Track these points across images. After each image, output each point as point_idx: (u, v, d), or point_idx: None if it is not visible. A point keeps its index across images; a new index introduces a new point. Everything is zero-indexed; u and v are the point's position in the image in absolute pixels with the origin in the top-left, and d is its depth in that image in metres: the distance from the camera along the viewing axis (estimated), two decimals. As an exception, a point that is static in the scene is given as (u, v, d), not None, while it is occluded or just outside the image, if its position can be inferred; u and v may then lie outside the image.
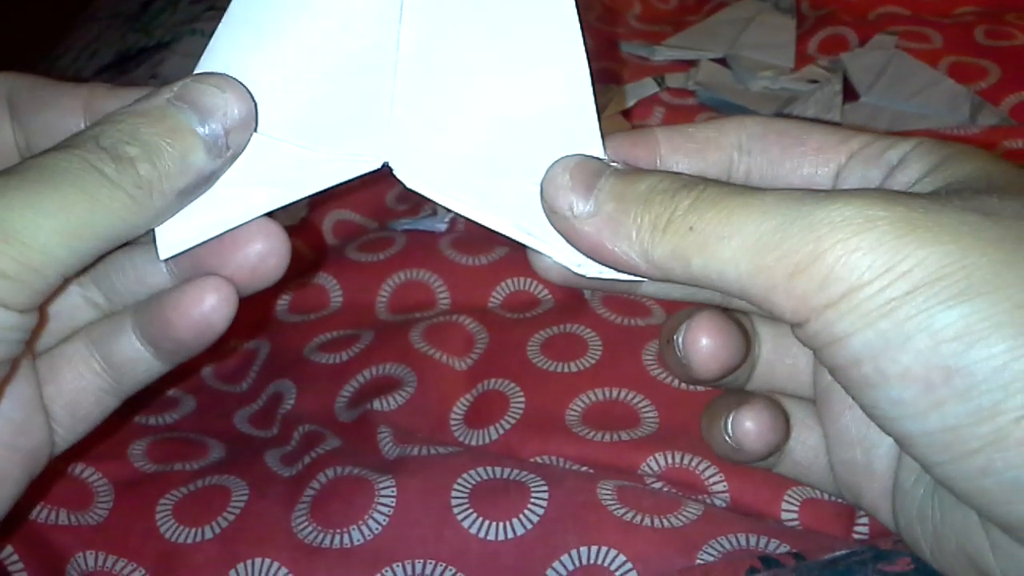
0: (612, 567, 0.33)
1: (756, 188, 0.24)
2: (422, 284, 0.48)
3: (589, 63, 0.27)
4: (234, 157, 0.26)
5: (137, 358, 0.29)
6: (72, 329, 0.30)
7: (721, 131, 0.28)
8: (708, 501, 0.36)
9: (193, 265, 0.28)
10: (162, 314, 0.28)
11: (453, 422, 0.41)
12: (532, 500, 0.35)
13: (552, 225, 0.26)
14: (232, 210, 0.27)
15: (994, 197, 0.22)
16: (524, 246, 0.27)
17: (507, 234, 0.27)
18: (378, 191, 0.56)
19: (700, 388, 0.38)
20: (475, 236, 0.50)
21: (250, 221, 0.27)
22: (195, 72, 0.27)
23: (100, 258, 0.25)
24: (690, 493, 0.37)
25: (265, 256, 0.27)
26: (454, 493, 0.36)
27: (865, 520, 0.35)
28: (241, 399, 0.45)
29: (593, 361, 0.42)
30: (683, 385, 0.40)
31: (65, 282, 0.24)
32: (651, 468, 0.37)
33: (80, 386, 0.29)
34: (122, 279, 0.29)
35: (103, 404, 0.30)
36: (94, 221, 0.24)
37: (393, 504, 0.36)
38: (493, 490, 0.36)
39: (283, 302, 0.49)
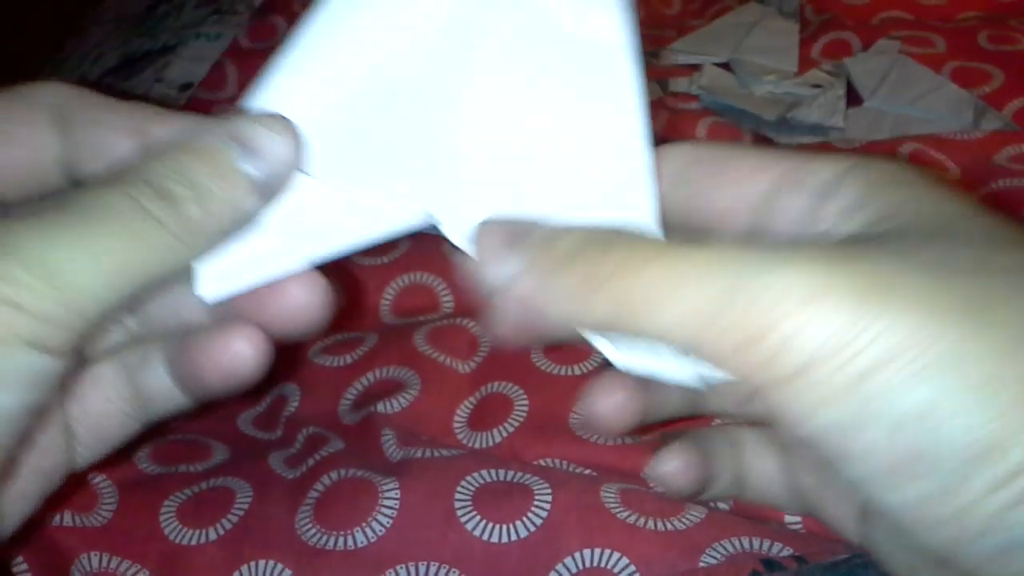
0: (615, 570, 0.33)
1: (687, 244, 0.23)
2: (426, 287, 0.48)
3: (648, 130, 0.26)
4: (280, 199, 0.26)
5: (164, 391, 0.29)
6: (102, 351, 0.29)
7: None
8: (711, 504, 0.36)
9: (231, 307, 0.27)
10: (191, 356, 0.27)
11: (457, 425, 0.41)
12: (536, 503, 0.35)
13: (481, 292, 0.25)
14: (278, 260, 0.26)
15: (941, 248, 0.21)
16: None
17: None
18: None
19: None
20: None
21: (299, 270, 0.26)
22: (248, 104, 0.26)
23: (139, 299, 0.24)
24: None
25: (305, 306, 0.27)
26: (458, 496, 0.36)
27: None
28: (245, 402, 0.46)
29: (596, 364, 0.42)
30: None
31: (104, 321, 0.23)
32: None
33: (106, 410, 0.29)
34: (157, 308, 0.29)
35: (127, 429, 0.29)
36: (139, 262, 0.23)
37: (397, 506, 0.36)
38: (497, 493, 0.36)
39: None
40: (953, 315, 0.20)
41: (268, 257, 0.26)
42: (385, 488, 0.36)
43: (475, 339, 0.44)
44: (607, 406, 0.28)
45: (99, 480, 0.39)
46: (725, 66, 0.64)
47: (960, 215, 0.23)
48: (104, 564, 0.36)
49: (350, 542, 0.35)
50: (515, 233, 0.25)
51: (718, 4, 0.73)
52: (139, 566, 0.36)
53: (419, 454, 0.39)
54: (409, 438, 0.40)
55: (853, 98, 0.60)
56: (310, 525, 0.36)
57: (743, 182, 0.27)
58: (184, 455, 0.41)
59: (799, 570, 0.31)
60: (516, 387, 0.41)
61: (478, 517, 0.35)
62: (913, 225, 0.22)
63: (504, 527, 0.35)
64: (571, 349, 0.43)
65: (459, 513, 0.35)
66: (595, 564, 0.33)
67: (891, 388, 0.19)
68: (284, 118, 0.26)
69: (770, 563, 0.32)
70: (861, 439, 0.20)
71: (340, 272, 0.27)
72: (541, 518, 0.35)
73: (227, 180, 0.25)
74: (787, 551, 0.33)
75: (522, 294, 0.24)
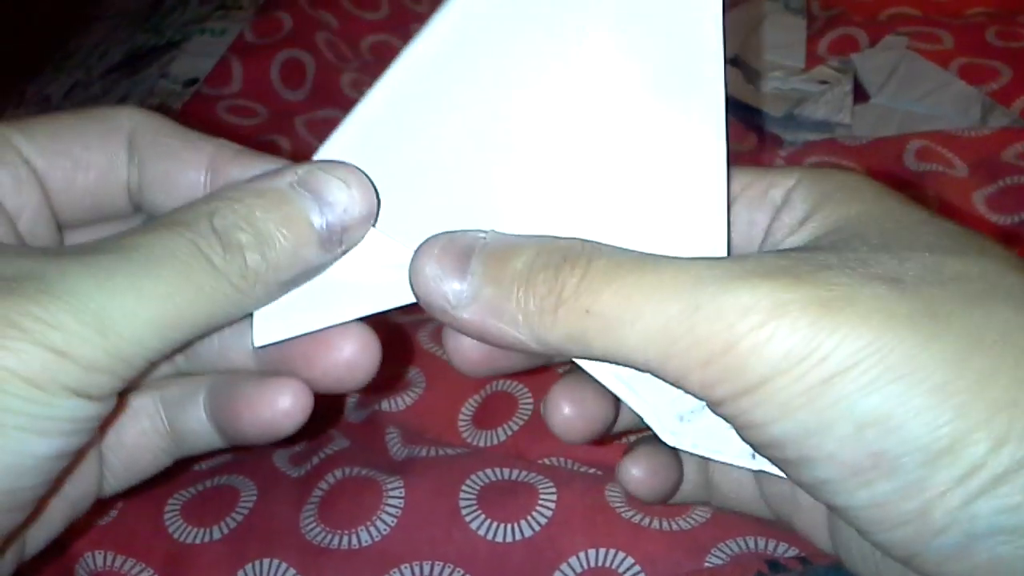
0: (620, 569, 0.33)
1: (648, 258, 0.23)
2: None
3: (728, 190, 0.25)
4: (344, 252, 0.25)
5: (201, 431, 0.29)
6: (144, 382, 0.29)
7: None
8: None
9: (279, 357, 0.27)
10: (233, 404, 0.27)
11: (461, 423, 0.41)
12: (540, 502, 0.35)
13: (432, 316, 0.25)
14: (334, 309, 0.26)
15: (893, 257, 0.22)
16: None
17: (601, 380, 0.26)
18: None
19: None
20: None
21: (348, 322, 0.26)
22: (321, 155, 0.26)
23: (189, 343, 0.24)
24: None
25: (354, 363, 0.26)
26: (462, 494, 0.36)
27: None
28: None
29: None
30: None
31: (150, 366, 0.23)
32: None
33: (141, 442, 0.29)
34: (206, 347, 0.29)
35: (159, 462, 0.29)
36: (193, 311, 0.23)
37: (401, 505, 0.36)
38: (501, 491, 0.36)
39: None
40: (907, 325, 0.20)
41: (322, 307, 0.26)
42: (389, 487, 0.36)
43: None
44: (563, 416, 0.28)
45: (104, 478, 0.39)
46: (732, 62, 0.64)
47: (909, 222, 0.24)
48: (109, 562, 0.36)
49: (354, 541, 0.35)
50: (461, 249, 0.24)
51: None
52: (144, 564, 0.36)
53: (424, 452, 0.39)
54: (414, 436, 0.40)
55: (860, 94, 0.60)
56: (314, 524, 0.36)
57: None
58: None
59: (803, 571, 0.31)
60: (521, 385, 0.41)
61: (483, 516, 0.35)
62: (864, 235, 0.23)
63: (509, 526, 0.35)
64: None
65: (464, 512, 0.35)
66: (600, 564, 0.33)
67: (850, 393, 0.20)
68: (360, 172, 0.25)
69: (774, 564, 0.32)
70: (824, 442, 0.21)
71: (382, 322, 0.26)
72: (546, 517, 0.35)
73: (292, 227, 0.24)
74: (792, 551, 0.33)
75: (473, 316, 0.24)
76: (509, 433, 0.39)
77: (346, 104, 0.62)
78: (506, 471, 0.37)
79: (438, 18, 0.25)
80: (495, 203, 0.26)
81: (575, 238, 0.24)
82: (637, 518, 0.34)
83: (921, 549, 0.21)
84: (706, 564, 0.33)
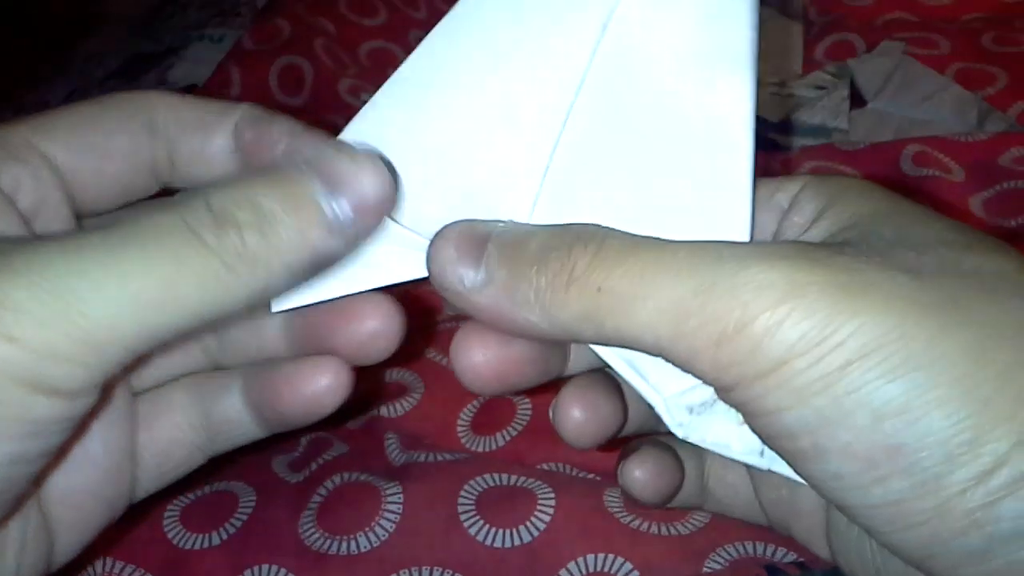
0: (619, 574, 0.33)
1: (662, 239, 0.22)
2: (428, 292, 0.48)
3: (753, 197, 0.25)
4: (358, 242, 0.23)
5: (237, 420, 0.28)
6: (180, 372, 0.29)
7: None
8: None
9: (309, 336, 0.27)
10: (274, 385, 0.27)
11: (460, 429, 0.41)
12: (539, 507, 0.35)
13: (446, 300, 0.25)
14: (351, 278, 0.26)
15: (910, 251, 0.21)
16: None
17: (613, 366, 0.25)
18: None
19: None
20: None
21: (368, 291, 0.26)
22: (338, 138, 0.25)
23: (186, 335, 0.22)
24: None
25: (377, 334, 0.27)
26: (461, 500, 0.36)
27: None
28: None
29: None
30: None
31: (137, 360, 0.21)
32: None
33: (174, 437, 0.28)
34: (240, 334, 0.29)
35: (192, 460, 0.29)
36: (177, 291, 0.20)
37: (400, 511, 0.36)
38: (500, 497, 0.36)
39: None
40: (927, 314, 0.20)
41: (339, 276, 0.26)
42: (388, 492, 0.36)
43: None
44: (574, 421, 0.28)
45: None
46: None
47: (922, 221, 0.23)
48: (107, 568, 0.36)
49: (353, 546, 0.35)
50: (479, 235, 0.24)
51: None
52: (143, 570, 0.36)
53: (422, 458, 0.39)
54: (412, 442, 0.40)
55: (857, 99, 0.60)
56: (313, 529, 0.36)
57: None
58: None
59: (802, 576, 0.31)
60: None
61: (481, 521, 0.35)
62: (875, 232, 0.23)
63: (507, 532, 0.35)
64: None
65: (462, 517, 0.35)
66: (598, 569, 0.33)
67: (867, 382, 0.20)
68: (377, 154, 0.23)
69: (773, 569, 0.32)
70: (839, 432, 0.20)
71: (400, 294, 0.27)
72: (544, 523, 0.35)
73: (299, 211, 0.22)
74: (791, 556, 0.33)
75: (487, 300, 0.23)
76: (507, 438, 0.39)
77: (345, 110, 0.62)
78: (505, 476, 0.37)
79: (459, 5, 0.26)
80: (515, 190, 0.26)
81: (591, 224, 0.24)
82: (636, 523, 0.34)
83: (937, 551, 0.20)
84: (705, 569, 0.33)
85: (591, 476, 0.38)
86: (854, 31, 0.65)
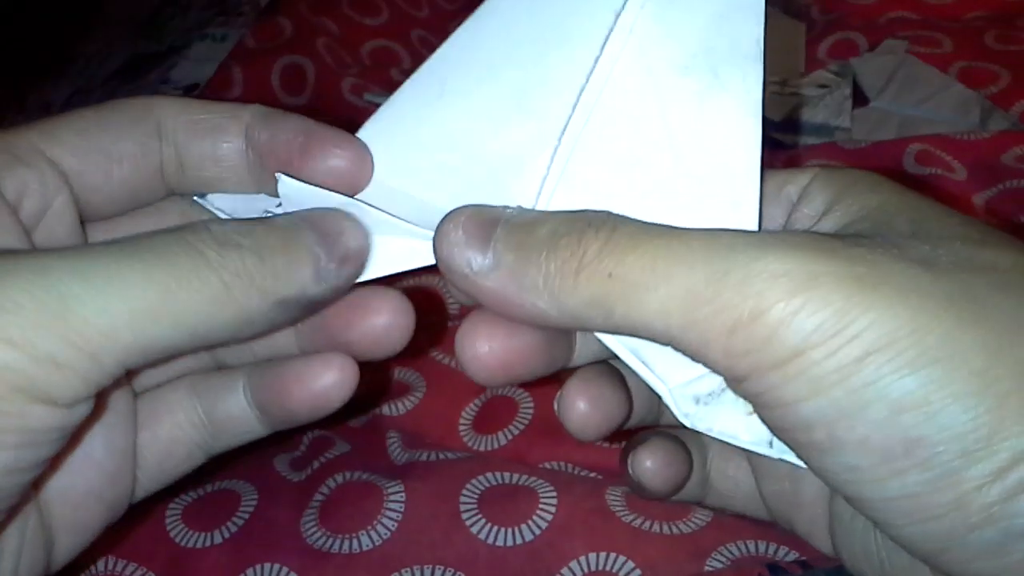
0: (621, 573, 0.33)
1: (674, 228, 0.22)
2: (431, 290, 0.48)
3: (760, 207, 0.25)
4: (338, 292, 0.25)
5: (241, 418, 0.29)
6: (181, 372, 0.29)
7: None
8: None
9: (319, 332, 0.27)
10: (281, 382, 0.27)
11: (462, 427, 0.41)
12: (541, 506, 0.35)
13: (452, 284, 0.25)
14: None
15: (924, 244, 0.21)
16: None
17: (619, 355, 0.25)
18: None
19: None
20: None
21: (377, 286, 0.26)
22: (367, 125, 0.27)
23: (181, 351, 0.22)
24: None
25: (390, 329, 0.27)
26: (463, 498, 0.36)
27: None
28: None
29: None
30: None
31: (127, 375, 0.21)
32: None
33: (176, 436, 0.28)
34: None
35: (193, 459, 0.29)
36: (175, 305, 0.21)
37: (402, 509, 0.36)
38: (502, 496, 0.36)
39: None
40: (943, 308, 0.20)
41: None
42: (390, 491, 0.36)
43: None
44: (579, 413, 0.27)
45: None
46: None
47: (935, 215, 0.23)
48: (110, 567, 0.36)
49: (355, 545, 0.35)
50: (488, 219, 0.24)
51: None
52: (145, 568, 0.36)
53: (424, 457, 0.39)
54: (414, 441, 0.40)
55: (859, 98, 0.60)
56: (315, 528, 0.36)
57: None
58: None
59: (804, 574, 0.31)
60: (521, 390, 0.41)
61: (483, 520, 0.35)
62: (888, 225, 0.23)
63: (509, 530, 0.35)
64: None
65: (464, 516, 0.35)
66: (600, 567, 0.33)
67: (884, 375, 0.19)
68: (351, 215, 0.25)
69: (775, 568, 0.32)
70: (856, 425, 0.20)
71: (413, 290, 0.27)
72: (546, 521, 0.35)
73: (290, 247, 0.24)
74: (793, 555, 0.33)
75: (495, 284, 0.23)
76: (509, 437, 0.39)
77: (347, 109, 0.62)
78: (507, 475, 0.37)
79: (476, 11, 0.26)
80: (521, 178, 0.26)
81: (602, 211, 0.23)
82: (638, 522, 0.34)
83: (952, 545, 0.20)
84: (707, 568, 0.33)
85: (593, 475, 0.38)
86: (856, 30, 0.65)
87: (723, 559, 0.33)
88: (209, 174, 0.28)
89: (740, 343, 0.20)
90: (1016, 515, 0.19)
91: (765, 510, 0.30)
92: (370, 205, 0.26)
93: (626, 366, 0.28)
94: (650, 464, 0.29)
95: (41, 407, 0.19)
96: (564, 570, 0.33)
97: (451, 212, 0.24)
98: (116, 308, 0.20)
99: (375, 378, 0.43)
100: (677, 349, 0.22)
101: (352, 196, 0.26)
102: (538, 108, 0.26)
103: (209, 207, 0.28)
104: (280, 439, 0.43)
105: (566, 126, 0.26)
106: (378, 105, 0.28)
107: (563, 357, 0.28)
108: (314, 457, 0.40)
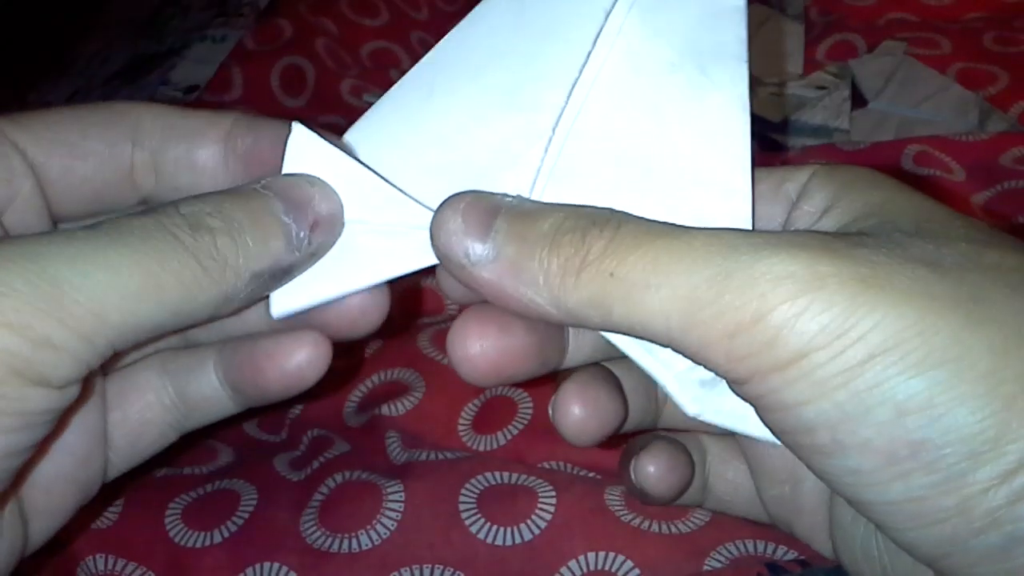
0: (620, 573, 0.33)
1: (677, 227, 0.22)
2: (430, 290, 0.48)
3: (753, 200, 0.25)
4: (314, 256, 0.25)
5: (213, 397, 0.28)
6: (151, 351, 0.29)
7: None
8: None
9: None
10: (253, 360, 0.27)
11: (461, 427, 0.41)
12: (540, 505, 0.35)
13: (448, 273, 0.24)
14: (351, 275, 0.26)
15: (929, 243, 0.21)
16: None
17: (618, 344, 0.25)
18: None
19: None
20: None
21: (367, 288, 0.26)
22: (345, 134, 0.26)
23: (163, 331, 0.23)
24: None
25: (366, 310, 0.26)
26: (462, 498, 0.36)
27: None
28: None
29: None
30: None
31: (114, 356, 0.22)
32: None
33: (147, 417, 0.28)
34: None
35: (165, 438, 0.29)
36: (159, 287, 0.21)
37: (401, 509, 0.36)
38: (501, 495, 0.36)
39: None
40: (949, 309, 0.19)
41: (340, 273, 0.26)
42: (389, 491, 0.36)
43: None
44: (574, 418, 0.27)
45: (105, 482, 0.39)
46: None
47: (938, 214, 0.23)
48: (110, 566, 0.36)
49: (355, 544, 0.35)
50: (487, 207, 0.24)
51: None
52: (145, 568, 0.36)
53: (423, 456, 0.39)
54: (414, 440, 0.40)
55: (858, 99, 0.60)
56: (315, 528, 0.36)
57: None
58: (189, 457, 0.41)
59: (803, 574, 0.31)
60: (520, 390, 0.41)
61: (482, 520, 0.35)
62: (891, 224, 0.22)
63: (508, 530, 0.35)
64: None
65: (463, 516, 0.35)
66: (599, 567, 0.33)
67: (889, 377, 0.19)
68: (318, 179, 0.25)
69: (774, 567, 0.32)
70: (860, 428, 0.20)
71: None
72: (545, 521, 0.35)
73: (260, 220, 0.24)
74: (792, 554, 0.33)
75: (492, 275, 0.23)
76: (508, 437, 0.39)
77: (346, 110, 0.62)
78: (506, 475, 0.37)
79: (471, 13, 0.27)
80: (514, 170, 0.26)
81: (605, 207, 0.23)
82: (636, 522, 0.34)
83: (955, 549, 0.20)
84: (705, 567, 0.33)
85: (592, 475, 0.38)
86: (855, 31, 0.65)
87: (722, 558, 0.33)
88: (184, 181, 0.27)
89: (742, 345, 0.20)
90: (1020, 519, 0.19)
91: (765, 514, 0.30)
92: (377, 174, 0.26)
93: (621, 368, 0.28)
94: (653, 470, 0.29)
95: (37, 389, 0.20)
96: (563, 569, 0.33)
97: (450, 198, 0.24)
98: (106, 290, 0.20)
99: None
100: (677, 351, 0.22)
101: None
102: (530, 103, 0.26)
103: None
104: (284, 440, 0.43)
105: (558, 119, 0.26)
106: None
107: (556, 358, 0.28)
108: (313, 457, 0.40)
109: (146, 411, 0.28)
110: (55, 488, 0.26)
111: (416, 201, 0.26)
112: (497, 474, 0.37)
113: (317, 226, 0.25)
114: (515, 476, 0.37)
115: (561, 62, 0.26)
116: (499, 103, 0.26)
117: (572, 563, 0.34)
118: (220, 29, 0.72)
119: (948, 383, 0.19)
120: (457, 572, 0.34)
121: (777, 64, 0.64)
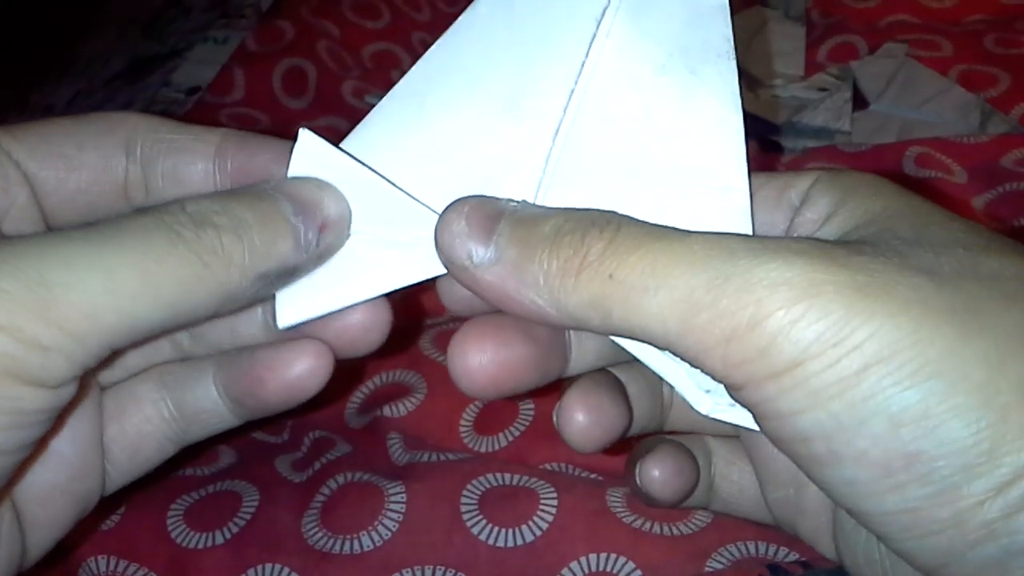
0: (621, 574, 0.33)
1: (677, 230, 0.22)
2: (431, 291, 0.48)
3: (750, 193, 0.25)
4: (321, 258, 0.25)
5: (212, 410, 0.28)
6: (148, 365, 0.29)
7: None
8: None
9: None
10: (253, 371, 0.27)
11: (462, 429, 0.41)
12: (541, 507, 0.35)
13: (452, 275, 0.24)
14: (357, 286, 0.26)
15: (928, 251, 0.21)
16: None
17: (631, 351, 0.25)
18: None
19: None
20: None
21: (373, 298, 0.26)
22: (344, 141, 0.26)
23: (164, 330, 0.22)
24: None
25: (368, 327, 0.26)
26: (463, 499, 0.36)
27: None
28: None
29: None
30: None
31: (112, 355, 0.22)
32: (660, 475, 0.37)
33: (145, 430, 0.28)
34: (213, 324, 0.28)
35: (163, 451, 0.29)
36: (156, 285, 0.21)
37: (403, 510, 0.36)
38: (502, 496, 0.36)
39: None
40: (946, 320, 0.19)
41: (345, 285, 0.26)
42: (391, 492, 0.36)
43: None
44: (578, 425, 0.27)
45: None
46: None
47: (939, 220, 0.23)
48: (112, 567, 0.36)
49: (356, 546, 0.35)
50: (491, 211, 0.24)
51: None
52: (147, 569, 0.36)
53: (425, 458, 0.39)
54: (415, 442, 0.40)
55: (859, 101, 0.60)
56: (316, 528, 0.36)
57: None
58: (191, 459, 0.41)
59: (804, 575, 0.31)
60: (522, 391, 0.41)
61: (484, 521, 0.35)
62: (894, 229, 0.22)
63: (510, 531, 0.35)
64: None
65: (465, 517, 0.35)
66: (601, 568, 0.33)
67: (884, 388, 0.19)
68: (327, 183, 0.25)
69: (776, 569, 0.32)
70: (855, 439, 0.20)
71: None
72: (547, 522, 0.35)
73: (268, 220, 0.23)
74: (793, 556, 0.33)
75: (494, 277, 0.23)
76: (510, 438, 0.39)
77: (348, 112, 0.62)
78: (507, 476, 0.37)
79: (460, 17, 0.27)
80: (517, 177, 0.26)
81: (608, 211, 0.23)
82: (638, 523, 0.34)
83: (951, 560, 0.20)
84: (707, 569, 0.33)
85: (594, 476, 0.38)
86: (856, 33, 0.65)
87: (723, 560, 0.33)
88: (173, 194, 0.27)
89: (737, 352, 0.20)
90: (1017, 532, 0.19)
91: (769, 516, 0.30)
92: (384, 178, 0.26)
93: (626, 373, 0.28)
94: (658, 474, 0.29)
95: (30, 389, 0.20)
96: (564, 571, 0.33)
97: (455, 202, 0.24)
98: (98, 290, 0.20)
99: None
100: (675, 354, 0.22)
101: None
102: (529, 112, 0.26)
103: None
104: (286, 441, 0.43)
105: (558, 128, 0.26)
106: None
107: (556, 369, 0.28)
108: (315, 458, 0.40)
109: (144, 424, 0.28)
110: (52, 500, 0.26)
111: (424, 205, 0.26)
112: (499, 475, 0.37)
113: (326, 228, 0.25)
114: (516, 477, 0.37)
115: (557, 71, 0.26)
116: (498, 113, 0.26)
117: (573, 564, 0.34)
118: (222, 30, 0.72)
119: (943, 394, 0.19)
120: (459, 573, 0.34)
121: (779, 66, 0.64)
